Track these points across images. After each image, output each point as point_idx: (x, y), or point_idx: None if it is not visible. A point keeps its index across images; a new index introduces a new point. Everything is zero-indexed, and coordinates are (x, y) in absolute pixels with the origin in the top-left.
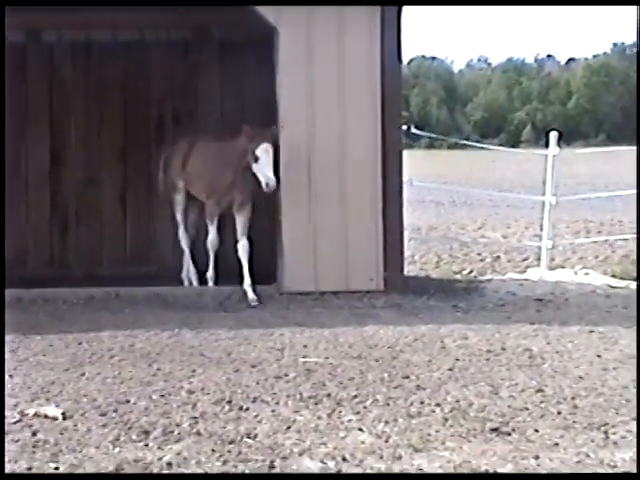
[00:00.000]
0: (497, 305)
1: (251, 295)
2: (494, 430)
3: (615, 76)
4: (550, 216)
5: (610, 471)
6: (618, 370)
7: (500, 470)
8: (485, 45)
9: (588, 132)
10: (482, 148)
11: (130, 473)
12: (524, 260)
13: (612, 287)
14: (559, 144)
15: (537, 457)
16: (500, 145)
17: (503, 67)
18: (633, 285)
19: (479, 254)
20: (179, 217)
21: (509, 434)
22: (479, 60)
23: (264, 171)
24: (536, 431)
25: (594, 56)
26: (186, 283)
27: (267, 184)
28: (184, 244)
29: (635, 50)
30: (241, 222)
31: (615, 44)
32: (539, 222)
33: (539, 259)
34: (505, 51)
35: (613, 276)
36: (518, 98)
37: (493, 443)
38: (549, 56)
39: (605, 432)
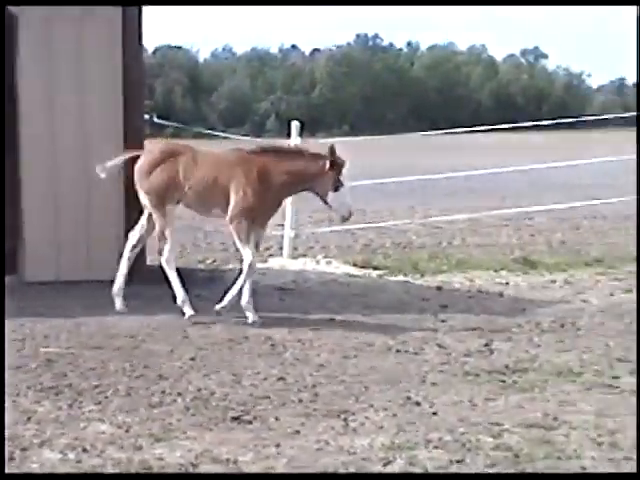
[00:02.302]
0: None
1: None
2: (235, 419)
3: (357, 67)
4: (293, 206)
5: (350, 457)
6: (358, 358)
7: (241, 458)
8: (230, 35)
9: (332, 122)
10: (226, 138)
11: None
12: (267, 249)
13: (352, 276)
14: (302, 134)
15: (278, 445)
16: (245, 135)
17: (248, 57)
18: (373, 274)
19: (222, 243)
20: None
21: (250, 422)
22: (224, 50)
23: (345, 199)
24: (277, 419)
25: (337, 47)
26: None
27: (350, 212)
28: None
29: (377, 41)
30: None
31: (358, 35)
32: (282, 211)
33: (282, 248)
34: (249, 41)
35: (354, 265)
36: (262, 88)
37: (234, 432)
38: (293, 46)
39: (345, 419)
